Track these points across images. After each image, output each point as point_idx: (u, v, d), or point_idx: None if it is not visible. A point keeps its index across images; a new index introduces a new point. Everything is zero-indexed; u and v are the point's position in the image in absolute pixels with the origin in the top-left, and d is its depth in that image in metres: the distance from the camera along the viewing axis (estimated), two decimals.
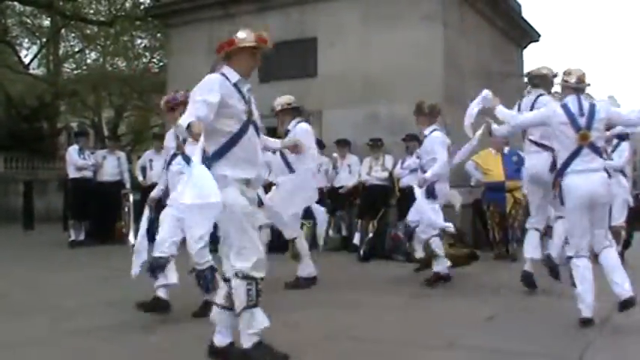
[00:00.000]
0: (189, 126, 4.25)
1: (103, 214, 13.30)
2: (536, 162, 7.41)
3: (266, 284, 4.58)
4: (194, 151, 4.28)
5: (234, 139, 4.67)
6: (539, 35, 18.77)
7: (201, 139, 4.17)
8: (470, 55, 14.40)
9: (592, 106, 6.11)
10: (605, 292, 7.23)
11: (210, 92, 4.62)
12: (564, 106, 6.10)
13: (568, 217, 6.27)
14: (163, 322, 6.11)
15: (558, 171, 6.15)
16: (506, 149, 11.13)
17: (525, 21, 17.84)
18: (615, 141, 10.25)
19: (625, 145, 10.28)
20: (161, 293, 6.21)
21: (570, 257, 6.20)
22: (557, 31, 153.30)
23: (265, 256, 4.55)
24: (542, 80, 7.70)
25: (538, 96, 7.53)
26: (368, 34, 13.14)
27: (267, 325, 4.52)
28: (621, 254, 10.08)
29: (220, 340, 4.71)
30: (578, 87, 6.26)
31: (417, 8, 13.09)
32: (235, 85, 4.84)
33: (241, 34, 5.10)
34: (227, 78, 4.86)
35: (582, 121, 6.00)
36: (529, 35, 18.48)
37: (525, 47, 18.86)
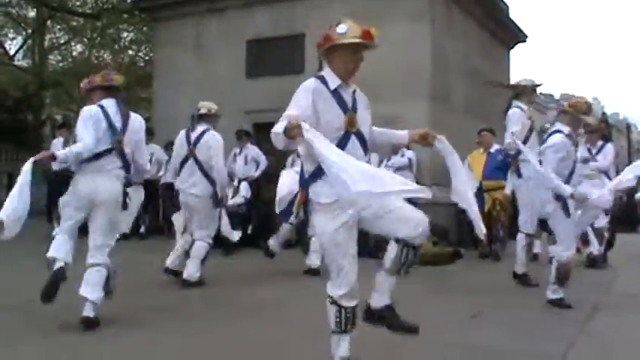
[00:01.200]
0: (285, 130, 3.76)
1: None
2: None
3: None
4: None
5: None
6: (527, 36, 18.85)
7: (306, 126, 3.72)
8: (457, 54, 14.44)
9: None
10: (588, 291, 7.32)
11: (298, 105, 4.10)
12: None
13: None
14: (149, 318, 6.10)
15: None
16: (494, 147, 11.08)
17: (513, 21, 17.91)
18: (600, 143, 10.32)
19: (609, 147, 10.38)
20: None
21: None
22: (544, 32, 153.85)
23: (356, 283, 4.17)
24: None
25: None
26: None
27: (344, 355, 4.19)
28: (604, 255, 10.18)
29: None
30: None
31: (405, 6, 13.12)
32: (335, 90, 4.23)
33: (342, 28, 4.30)
34: (325, 82, 4.25)
35: None
36: (516, 36, 18.55)
37: (512, 47, 18.92)
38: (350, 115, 4.21)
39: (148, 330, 5.72)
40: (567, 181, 6.61)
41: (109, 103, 6.06)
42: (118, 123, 6.02)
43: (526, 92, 8.32)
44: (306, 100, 4.12)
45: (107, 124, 5.91)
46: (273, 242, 9.27)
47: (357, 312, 4.19)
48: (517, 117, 8.21)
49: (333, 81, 4.24)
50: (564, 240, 6.72)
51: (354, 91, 4.33)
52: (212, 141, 8.05)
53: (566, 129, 6.70)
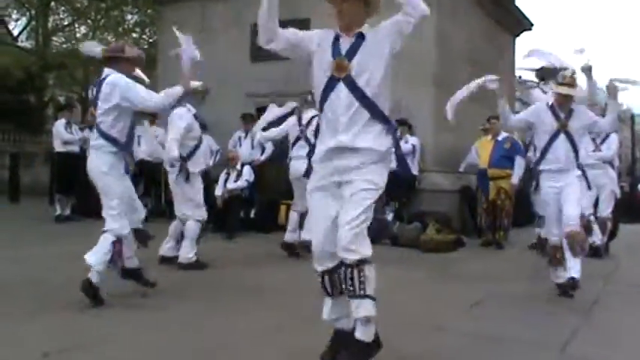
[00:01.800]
0: None
1: (89, 188, 13.21)
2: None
3: None
4: None
5: (320, 104, 4.22)
6: (532, 24, 18.77)
7: None
8: (462, 40, 14.38)
9: None
10: (590, 280, 7.32)
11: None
12: None
13: None
14: (149, 298, 6.11)
15: None
16: (502, 135, 11.02)
17: (518, 9, 17.83)
18: (604, 133, 10.28)
19: (614, 137, 10.33)
20: None
21: None
22: (550, 20, 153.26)
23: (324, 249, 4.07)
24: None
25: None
26: None
27: (324, 317, 4.26)
28: (606, 245, 10.18)
29: None
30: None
31: None
32: (336, 39, 4.21)
33: None
34: (332, 33, 4.26)
35: None
36: (522, 23, 18.47)
37: (518, 35, 18.85)
38: (339, 60, 4.11)
39: (148, 310, 5.73)
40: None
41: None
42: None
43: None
44: (311, 33, 4.36)
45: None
46: (289, 237, 9.13)
47: (334, 278, 4.09)
48: None
49: (335, 32, 4.22)
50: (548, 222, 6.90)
51: (359, 35, 4.16)
52: (171, 117, 8.12)
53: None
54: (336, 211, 4.02)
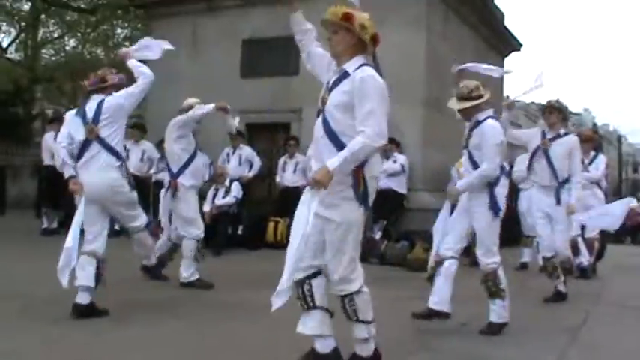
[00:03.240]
0: None
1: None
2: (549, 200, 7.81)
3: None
4: None
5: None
6: (521, 45, 18.90)
7: None
8: (452, 61, 14.43)
9: None
10: (578, 300, 7.35)
11: None
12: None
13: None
14: (139, 313, 6.08)
15: None
16: None
17: (508, 30, 17.95)
18: (592, 153, 10.36)
19: (602, 158, 10.42)
20: None
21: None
22: (538, 41, 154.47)
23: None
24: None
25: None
26: None
27: (298, 330, 4.40)
28: (594, 265, 10.21)
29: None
30: None
31: (402, 12, 13.11)
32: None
33: None
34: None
35: None
36: (511, 44, 18.59)
37: (507, 56, 18.97)
38: (324, 93, 4.30)
39: (134, 326, 5.69)
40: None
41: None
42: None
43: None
44: (326, 65, 4.52)
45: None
46: None
47: (312, 290, 4.27)
48: None
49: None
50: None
51: (344, 72, 4.24)
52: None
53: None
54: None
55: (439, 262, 6.12)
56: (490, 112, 6.17)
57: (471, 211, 6.02)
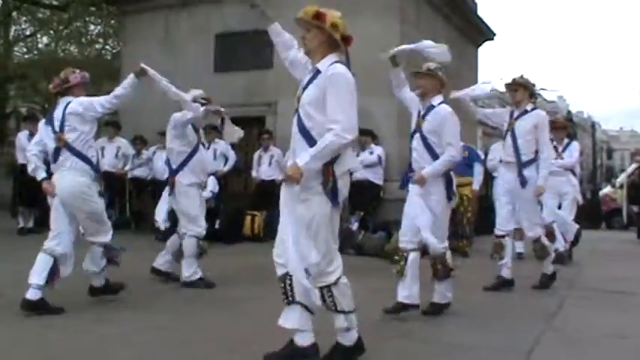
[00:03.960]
0: None
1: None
2: (512, 176, 7.64)
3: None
4: None
5: None
6: (494, 34, 18.97)
7: None
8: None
9: None
10: (554, 286, 7.43)
11: None
12: None
13: None
14: (115, 312, 6.07)
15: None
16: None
17: (481, 19, 18.01)
18: (566, 140, 10.44)
19: (575, 145, 10.50)
20: None
21: None
22: (511, 30, 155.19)
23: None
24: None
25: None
26: None
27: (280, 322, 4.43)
28: (569, 251, 10.30)
29: None
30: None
31: (375, 3, 13.14)
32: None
33: None
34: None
35: None
36: (484, 33, 18.66)
37: (480, 45, 19.04)
38: (299, 92, 4.41)
39: (116, 324, 5.69)
40: None
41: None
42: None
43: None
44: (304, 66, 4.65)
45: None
46: None
47: (292, 285, 4.27)
48: None
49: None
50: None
51: (316, 71, 4.35)
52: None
53: None
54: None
55: (404, 257, 6.11)
56: (441, 97, 6.31)
57: (427, 197, 6.03)
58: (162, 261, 7.93)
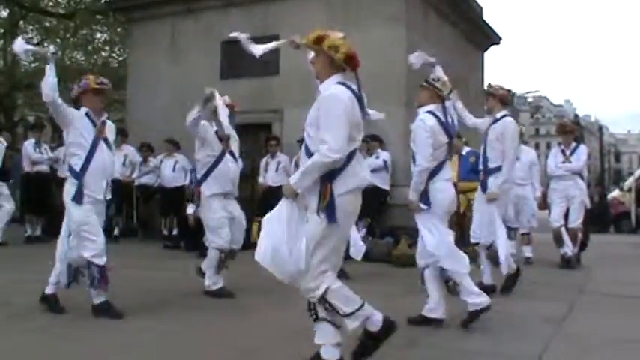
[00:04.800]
0: None
1: (60, 209, 13.09)
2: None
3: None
4: None
5: None
6: (500, 38, 18.95)
7: None
8: (432, 57, 14.46)
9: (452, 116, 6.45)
10: (563, 291, 7.38)
11: None
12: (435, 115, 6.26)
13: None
14: (124, 319, 6.07)
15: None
16: (465, 150, 11.16)
17: (487, 24, 17.99)
18: (573, 144, 10.42)
19: (583, 149, 10.48)
20: None
21: None
22: (517, 34, 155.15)
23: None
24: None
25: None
26: None
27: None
28: (577, 256, 10.27)
29: None
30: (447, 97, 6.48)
31: (381, 10, 13.13)
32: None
33: None
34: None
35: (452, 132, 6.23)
36: (490, 38, 18.63)
37: (486, 50, 19.01)
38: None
39: (125, 331, 5.68)
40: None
41: None
42: None
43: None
44: None
45: None
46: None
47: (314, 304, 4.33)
48: None
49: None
50: None
51: (319, 93, 4.47)
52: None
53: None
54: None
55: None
56: (429, 107, 6.35)
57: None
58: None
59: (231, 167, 7.72)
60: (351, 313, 4.29)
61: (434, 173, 6.07)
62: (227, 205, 7.69)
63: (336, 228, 4.25)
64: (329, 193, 4.21)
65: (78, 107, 6.38)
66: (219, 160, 7.59)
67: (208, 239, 7.63)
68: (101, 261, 6.15)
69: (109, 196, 6.46)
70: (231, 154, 7.80)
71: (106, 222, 6.70)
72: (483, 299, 5.90)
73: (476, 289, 6.00)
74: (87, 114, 6.33)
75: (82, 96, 6.43)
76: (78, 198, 6.17)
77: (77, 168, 6.21)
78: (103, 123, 6.43)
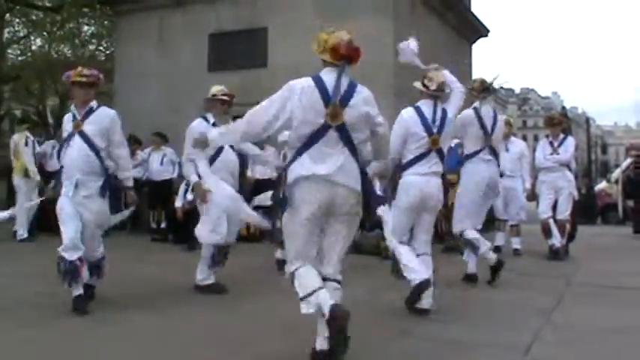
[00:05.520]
0: None
1: (49, 204, 13.01)
2: (494, 169, 7.80)
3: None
4: None
5: None
6: (488, 30, 18.97)
7: None
8: (421, 49, 14.45)
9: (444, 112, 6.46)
10: (551, 282, 7.41)
11: None
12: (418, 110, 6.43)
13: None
14: (115, 313, 6.05)
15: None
16: (454, 142, 11.12)
17: (475, 16, 18.00)
18: (561, 136, 10.45)
19: (571, 141, 10.51)
20: None
21: None
22: (505, 26, 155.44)
23: None
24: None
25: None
26: (320, 25, 13.07)
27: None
28: (566, 247, 10.30)
29: None
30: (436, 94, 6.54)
31: (368, 2, 13.12)
32: None
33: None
34: None
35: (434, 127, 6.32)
36: (478, 30, 18.65)
37: (474, 42, 19.03)
38: None
39: (116, 325, 5.66)
40: None
41: None
42: None
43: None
44: None
45: None
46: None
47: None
48: None
49: None
50: None
51: None
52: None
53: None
54: None
55: None
56: (419, 102, 6.60)
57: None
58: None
59: (232, 159, 7.55)
60: (302, 298, 4.35)
61: (406, 166, 6.29)
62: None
63: (292, 215, 4.46)
64: (284, 184, 4.54)
65: None
66: (218, 152, 7.28)
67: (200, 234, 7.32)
68: (69, 255, 5.99)
69: (86, 191, 6.24)
70: (231, 146, 7.45)
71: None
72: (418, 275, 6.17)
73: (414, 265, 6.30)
74: (72, 107, 6.35)
75: (70, 88, 6.42)
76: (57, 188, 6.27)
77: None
78: (86, 114, 6.32)
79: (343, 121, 4.52)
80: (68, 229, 6.08)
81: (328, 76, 4.60)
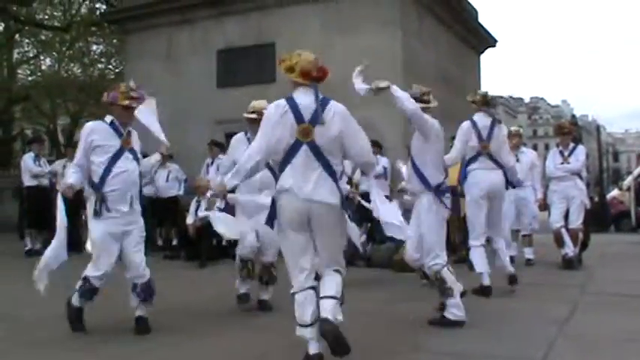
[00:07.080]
0: None
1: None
2: (495, 177, 7.82)
3: None
4: None
5: None
6: (496, 40, 18.97)
7: None
8: (428, 60, 14.48)
9: None
10: (565, 292, 7.36)
11: None
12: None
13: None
14: (124, 332, 6.03)
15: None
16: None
17: (482, 26, 18.01)
18: (572, 145, 10.41)
19: (581, 149, 10.47)
20: None
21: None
22: (513, 36, 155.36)
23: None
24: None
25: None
26: (327, 40, 13.11)
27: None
28: (579, 256, 10.25)
29: None
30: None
31: (376, 14, 13.14)
32: None
33: None
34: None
35: None
36: (486, 40, 18.66)
37: (482, 52, 19.03)
38: None
39: (124, 343, 5.65)
40: None
41: None
42: None
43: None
44: None
45: None
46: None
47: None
48: None
49: None
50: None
51: None
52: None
53: None
54: None
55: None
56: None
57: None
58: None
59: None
60: (298, 324, 4.58)
61: None
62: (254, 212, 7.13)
63: (280, 231, 4.72)
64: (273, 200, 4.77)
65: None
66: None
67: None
68: (96, 282, 5.97)
69: (138, 206, 6.39)
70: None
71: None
72: None
73: None
74: (112, 123, 6.18)
75: (110, 107, 6.29)
76: (98, 211, 6.00)
77: (96, 179, 5.99)
78: (129, 133, 6.26)
79: (313, 138, 4.65)
80: (104, 261, 5.99)
81: (301, 98, 4.75)
